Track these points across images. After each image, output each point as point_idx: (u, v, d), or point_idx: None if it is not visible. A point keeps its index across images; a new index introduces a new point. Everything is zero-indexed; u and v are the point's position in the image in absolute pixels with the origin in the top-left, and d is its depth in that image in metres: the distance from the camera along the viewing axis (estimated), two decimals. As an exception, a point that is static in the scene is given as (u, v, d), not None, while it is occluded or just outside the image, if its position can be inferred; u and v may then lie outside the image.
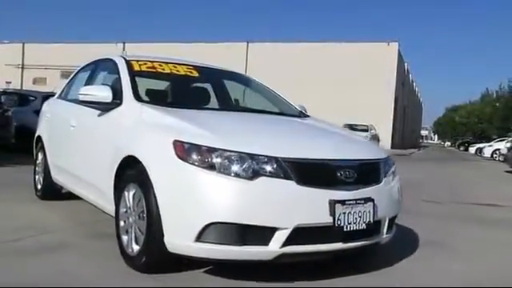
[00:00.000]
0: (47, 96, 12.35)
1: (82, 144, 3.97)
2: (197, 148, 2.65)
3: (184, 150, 2.67)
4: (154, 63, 4.04)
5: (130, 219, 3.03)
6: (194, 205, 2.59)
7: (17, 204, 4.84)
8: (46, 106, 5.60)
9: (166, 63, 4.12)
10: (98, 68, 4.48)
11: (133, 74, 3.68)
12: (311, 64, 34.12)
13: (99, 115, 3.66)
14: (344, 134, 3.65)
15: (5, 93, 12.35)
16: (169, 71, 4.03)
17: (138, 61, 3.96)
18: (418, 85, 67.93)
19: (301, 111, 4.29)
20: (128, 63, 3.85)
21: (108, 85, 3.71)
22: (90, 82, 4.38)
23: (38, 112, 11.42)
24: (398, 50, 35.01)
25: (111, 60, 4.09)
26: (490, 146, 30.83)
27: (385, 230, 3.09)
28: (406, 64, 42.22)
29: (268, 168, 2.62)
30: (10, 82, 33.79)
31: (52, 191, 5.05)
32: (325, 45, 34.97)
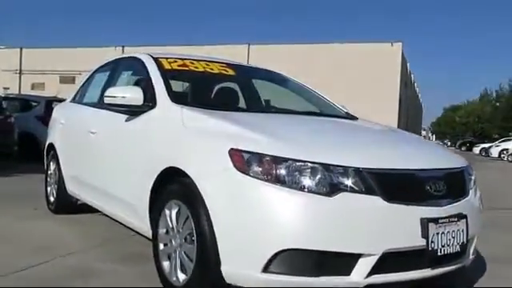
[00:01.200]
0: (51, 101, 11.89)
1: (106, 153, 3.50)
2: (260, 158, 2.19)
3: (244, 161, 2.21)
4: (185, 61, 3.59)
5: (174, 242, 2.57)
6: (260, 227, 2.13)
7: (29, 220, 4.37)
8: (57, 111, 5.12)
9: (198, 61, 3.67)
10: (119, 68, 4.02)
11: (164, 73, 3.23)
12: (314, 65, 33.71)
13: (127, 120, 3.20)
14: (416, 138, 3.19)
15: (6, 98, 11.86)
16: (202, 69, 3.57)
17: (166, 58, 3.51)
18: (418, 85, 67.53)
19: (347, 112, 3.85)
20: (157, 61, 3.40)
21: (137, 86, 3.26)
22: (110, 83, 3.92)
23: (41, 118, 11.09)
24: (402, 51, 34.62)
25: (136, 58, 3.64)
26: (498, 146, 30.44)
27: (471, 251, 2.64)
28: (408, 64, 41.85)
29: (348, 181, 2.16)
30: (7, 88, 33.27)
31: (67, 204, 4.59)
32: (327, 46, 34.56)
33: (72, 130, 4.34)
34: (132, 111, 3.13)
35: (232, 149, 2.25)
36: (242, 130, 2.42)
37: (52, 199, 4.77)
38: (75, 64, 35.82)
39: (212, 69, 3.63)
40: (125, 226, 3.48)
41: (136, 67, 3.62)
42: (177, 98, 2.98)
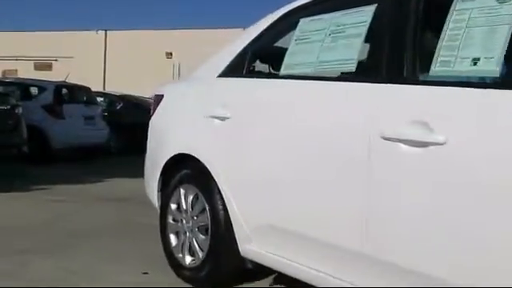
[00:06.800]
0: (61, 86, 9.33)
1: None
2: None
3: None
4: None
5: None
6: None
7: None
8: (188, 94, 2.86)
9: None
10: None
11: None
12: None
13: None
14: None
15: (2, 83, 9.28)
16: None
17: None
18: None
19: None
20: None
21: None
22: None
23: (49, 108, 8.52)
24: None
25: None
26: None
27: None
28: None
29: None
30: (-25, 76, 29.87)
31: (232, 273, 2.41)
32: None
33: (278, 135, 2.08)
34: None
35: None
36: None
37: (189, 260, 2.55)
38: (51, 49, 32.67)
39: None
40: None
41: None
42: None
